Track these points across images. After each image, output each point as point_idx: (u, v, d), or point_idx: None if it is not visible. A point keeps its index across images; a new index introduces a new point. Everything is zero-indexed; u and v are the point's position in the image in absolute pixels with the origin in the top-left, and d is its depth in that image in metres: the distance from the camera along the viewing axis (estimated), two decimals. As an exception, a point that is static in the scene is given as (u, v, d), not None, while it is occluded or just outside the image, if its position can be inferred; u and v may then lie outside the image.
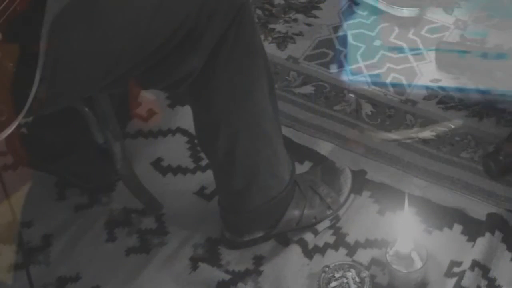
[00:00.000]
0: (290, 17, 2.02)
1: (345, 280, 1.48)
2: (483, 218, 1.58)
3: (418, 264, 1.47)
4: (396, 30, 1.97)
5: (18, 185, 1.67)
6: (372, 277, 1.50)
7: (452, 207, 1.61)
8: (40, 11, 1.07)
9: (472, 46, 1.90)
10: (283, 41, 1.96)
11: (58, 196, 1.69)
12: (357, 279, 1.48)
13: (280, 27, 2.00)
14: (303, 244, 1.56)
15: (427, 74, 1.87)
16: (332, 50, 1.94)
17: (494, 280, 1.50)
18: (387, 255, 1.47)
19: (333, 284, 1.48)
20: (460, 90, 1.82)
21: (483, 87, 1.80)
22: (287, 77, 1.88)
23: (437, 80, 1.85)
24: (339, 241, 1.58)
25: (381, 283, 1.51)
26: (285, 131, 1.65)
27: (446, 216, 1.60)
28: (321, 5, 2.04)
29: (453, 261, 1.53)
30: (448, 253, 1.54)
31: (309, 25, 2.00)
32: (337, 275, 1.49)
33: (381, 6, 1.98)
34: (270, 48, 1.93)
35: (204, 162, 1.70)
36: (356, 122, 1.78)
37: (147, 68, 1.27)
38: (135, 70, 1.26)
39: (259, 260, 1.56)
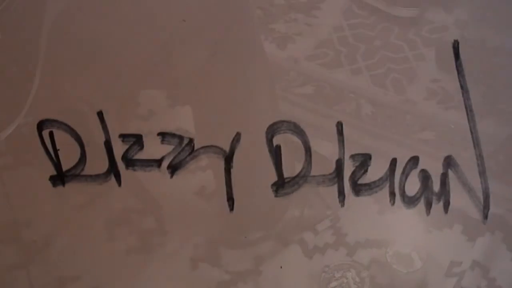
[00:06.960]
0: (290, 17, 2.02)
1: (345, 280, 1.48)
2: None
3: (418, 264, 1.47)
4: (396, 30, 1.97)
5: (18, 185, 1.67)
6: (372, 277, 1.50)
7: (452, 207, 1.61)
8: (40, 11, 1.07)
9: (471, 47, 1.90)
10: (283, 41, 1.96)
11: (58, 196, 1.68)
12: (357, 279, 1.48)
13: (280, 27, 1.99)
14: (303, 244, 1.56)
15: (427, 74, 1.87)
16: (332, 50, 1.94)
17: (494, 280, 1.50)
18: (387, 255, 1.47)
19: (333, 284, 1.48)
20: (460, 90, 1.82)
21: (483, 87, 1.80)
22: (287, 77, 1.88)
23: (437, 80, 1.85)
24: (339, 241, 1.58)
25: (381, 283, 1.51)
26: (285, 131, 1.65)
27: (446, 216, 1.60)
28: (321, 5, 2.04)
29: (453, 261, 1.53)
30: (448, 253, 1.54)
31: (309, 25, 2.00)
32: (337, 275, 1.49)
33: (381, 6, 1.98)
34: (270, 48, 1.93)
35: (204, 162, 1.70)
36: (356, 122, 1.78)
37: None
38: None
39: (259, 260, 1.56)
